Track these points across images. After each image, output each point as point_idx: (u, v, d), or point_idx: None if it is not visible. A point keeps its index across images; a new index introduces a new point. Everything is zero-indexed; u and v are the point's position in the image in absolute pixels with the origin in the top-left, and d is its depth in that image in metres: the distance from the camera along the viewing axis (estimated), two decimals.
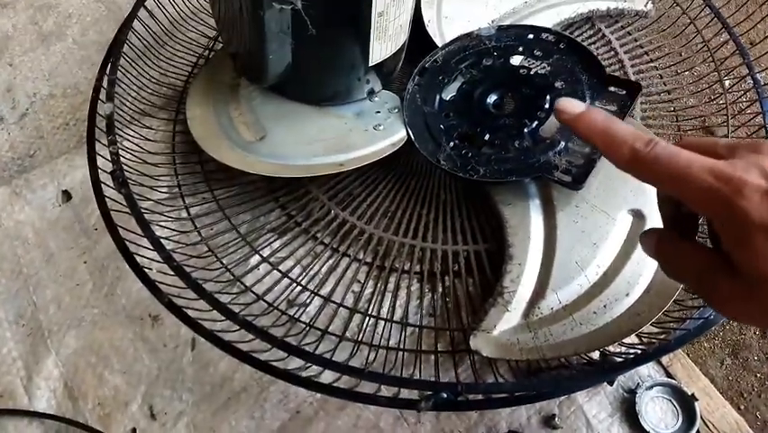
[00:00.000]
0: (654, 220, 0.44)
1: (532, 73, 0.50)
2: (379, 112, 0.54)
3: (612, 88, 0.48)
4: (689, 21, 0.60)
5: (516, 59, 0.52)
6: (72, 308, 0.49)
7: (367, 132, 0.52)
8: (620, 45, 0.60)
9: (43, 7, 0.63)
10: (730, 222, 0.25)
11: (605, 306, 0.42)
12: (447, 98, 0.51)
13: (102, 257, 0.51)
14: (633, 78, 0.57)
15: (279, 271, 0.48)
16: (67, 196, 0.53)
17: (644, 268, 0.43)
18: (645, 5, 0.61)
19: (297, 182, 0.53)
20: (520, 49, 0.52)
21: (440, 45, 0.57)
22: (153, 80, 0.56)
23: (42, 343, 0.48)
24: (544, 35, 0.53)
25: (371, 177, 0.54)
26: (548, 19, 0.59)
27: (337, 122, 0.53)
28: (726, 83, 0.56)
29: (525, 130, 0.47)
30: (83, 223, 0.52)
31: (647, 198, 0.45)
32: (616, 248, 0.44)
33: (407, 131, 0.51)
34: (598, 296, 0.42)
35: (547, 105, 0.48)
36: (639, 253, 0.43)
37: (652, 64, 0.59)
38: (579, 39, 0.60)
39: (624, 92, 0.48)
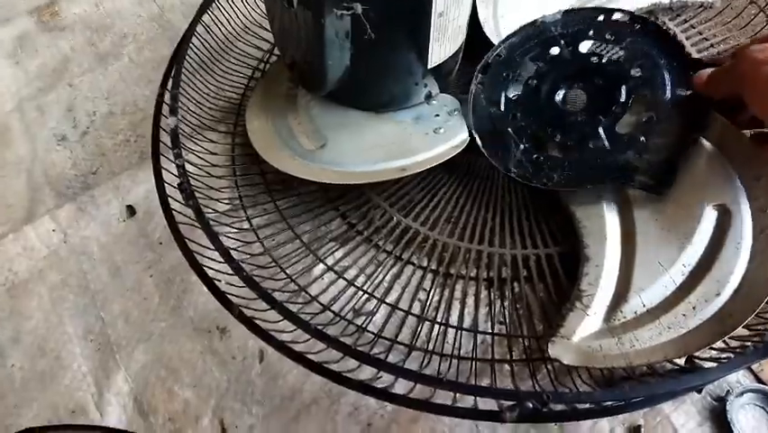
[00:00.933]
0: (741, 215, 0.42)
1: (604, 61, 0.46)
2: (438, 115, 0.53)
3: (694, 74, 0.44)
4: (756, 11, 0.57)
5: (585, 46, 0.48)
6: (140, 323, 0.49)
7: (427, 135, 0.51)
8: (685, 38, 0.57)
9: (100, 28, 0.64)
10: None
11: (694, 308, 0.39)
12: (513, 96, 0.49)
13: (167, 270, 0.51)
14: None
15: (345, 279, 0.47)
16: (131, 211, 0.53)
17: (734, 266, 0.40)
18: None
19: (357, 190, 0.52)
20: (590, 33, 0.48)
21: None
22: (212, 94, 0.56)
23: (112, 358, 0.49)
24: (616, 16, 0.48)
25: (432, 182, 0.53)
26: None
27: (396, 127, 0.52)
28: None
29: (600, 128, 0.44)
30: (148, 237, 0.52)
31: (732, 192, 0.43)
32: (702, 246, 0.42)
33: (475, 137, 0.48)
34: (685, 297, 0.40)
35: (623, 98, 0.45)
36: (728, 251, 0.41)
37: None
38: None
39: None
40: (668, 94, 0.44)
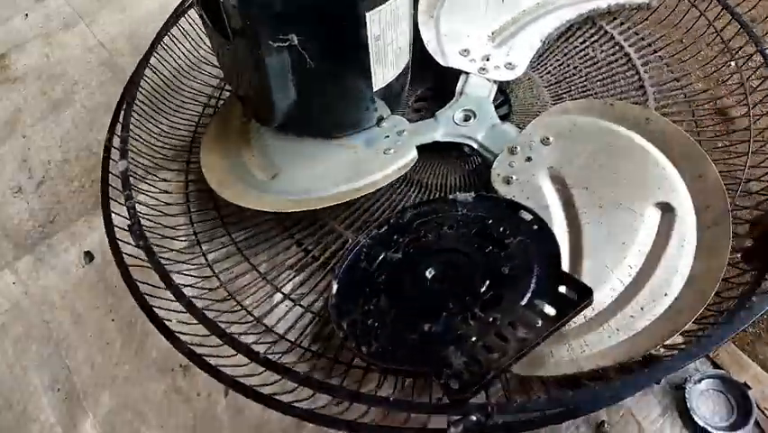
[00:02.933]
0: (685, 212, 0.42)
1: (486, 251, 0.43)
2: (387, 136, 0.53)
3: (563, 289, 0.39)
4: (688, 6, 0.59)
5: (478, 233, 0.45)
6: (105, 368, 0.49)
7: (378, 157, 0.51)
8: (624, 39, 0.59)
9: (51, 77, 0.65)
10: None
11: (642, 308, 0.40)
12: (389, 259, 0.46)
13: (128, 313, 0.51)
14: (641, 69, 0.56)
15: (301, 306, 0.47)
16: (89, 257, 0.54)
17: (678, 262, 0.40)
18: None
19: (312, 216, 0.52)
20: (489, 222, 0.45)
21: (442, 63, 0.57)
22: (164, 134, 0.57)
23: (79, 406, 0.48)
24: (521, 213, 0.44)
25: (383, 202, 0.53)
26: (550, 24, 0.58)
27: (348, 151, 0.53)
28: (732, 64, 0.54)
29: (444, 313, 0.40)
30: (107, 281, 0.52)
31: (674, 188, 0.43)
32: (647, 245, 0.42)
33: (333, 285, 0.45)
34: (634, 298, 0.40)
35: (482, 290, 0.41)
36: (673, 247, 0.41)
37: (657, 54, 0.57)
38: (581, 38, 0.60)
39: (575, 295, 0.38)
40: (524, 301, 0.39)
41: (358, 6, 0.44)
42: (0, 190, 0.58)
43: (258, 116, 0.54)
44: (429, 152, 0.54)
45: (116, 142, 0.50)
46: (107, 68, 0.64)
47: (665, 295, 0.40)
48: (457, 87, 0.56)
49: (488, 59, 0.57)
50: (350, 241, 0.49)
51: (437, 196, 0.52)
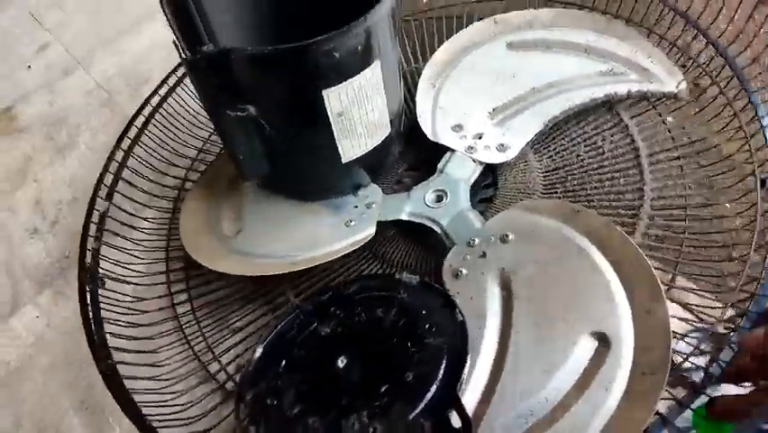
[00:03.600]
0: (621, 350, 0.37)
1: (401, 350, 0.41)
2: (356, 207, 0.53)
3: (450, 412, 0.36)
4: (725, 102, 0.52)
5: (407, 325, 0.43)
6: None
7: (336, 229, 0.51)
8: (638, 132, 0.53)
9: (56, 123, 0.70)
10: None
11: None
12: (316, 335, 0.45)
13: (145, 330, 0.52)
14: (646, 170, 0.50)
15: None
16: (101, 281, 0.58)
17: (599, 409, 0.35)
18: (677, 86, 0.53)
19: (274, 279, 0.52)
20: (423, 312, 0.43)
21: (430, 137, 0.55)
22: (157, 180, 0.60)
23: (105, 421, 0.53)
24: (455, 313, 0.42)
25: (343, 273, 0.52)
26: (557, 106, 0.54)
27: (312, 218, 0.53)
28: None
29: (333, 411, 0.39)
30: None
31: (618, 322, 0.38)
32: (570, 381, 0.37)
33: (256, 349, 0.45)
34: None
35: (381, 392, 0.39)
36: (597, 387, 0.36)
37: (668, 155, 0.51)
38: (593, 124, 0.55)
39: (459, 424, 0.36)
40: (410, 417, 0.37)
41: (312, 84, 0.44)
42: (18, 234, 0.63)
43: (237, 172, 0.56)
44: (408, 227, 0.53)
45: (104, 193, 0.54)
46: (108, 107, 0.69)
47: None
48: (439, 164, 0.53)
49: (480, 138, 0.54)
50: (290, 303, 0.49)
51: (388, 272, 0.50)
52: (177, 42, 0.45)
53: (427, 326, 0.42)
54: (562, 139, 0.55)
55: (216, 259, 0.50)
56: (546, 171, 0.53)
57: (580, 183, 0.51)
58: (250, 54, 0.43)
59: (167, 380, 0.48)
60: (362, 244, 0.49)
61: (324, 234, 0.50)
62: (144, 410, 0.43)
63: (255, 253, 0.50)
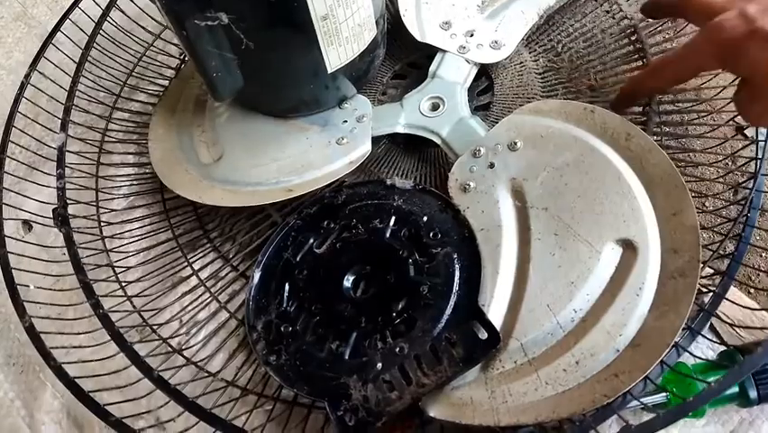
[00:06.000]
0: (649, 255, 0.36)
1: (410, 261, 0.40)
2: (346, 121, 0.48)
3: (475, 324, 0.36)
4: None
5: (409, 236, 0.41)
6: (59, 337, 0.48)
7: (328, 147, 0.47)
8: (641, 21, 0.49)
9: None
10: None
11: (577, 362, 0.35)
12: (313, 254, 0.42)
13: (75, 281, 0.48)
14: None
15: (228, 310, 0.45)
16: (28, 226, 0.52)
17: (630, 316, 0.35)
18: None
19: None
20: (423, 220, 0.41)
21: (417, 38, 0.50)
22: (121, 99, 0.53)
23: (36, 378, 0.48)
24: (458, 216, 0.41)
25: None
26: None
27: (300, 136, 0.48)
28: None
29: (354, 333, 0.38)
30: (49, 251, 0.51)
31: (642, 225, 0.37)
32: (597, 289, 0.36)
33: (255, 273, 0.42)
34: (570, 349, 0.35)
35: (394, 314, 0.38)
36: (626, 296, 0.35)
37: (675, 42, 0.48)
38: (591, 15, 0.51)
39: (485, 335, 0.36)
40: (435, 332, 0.36)
41: None
42: None
43: (209, 91, 0.50)
44: (403, 140, 0.49)
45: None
46: (23, 22, 0.59)
47: (605, 351, 0.35)
48: (431, 68, 0.49)
49: (471, 35, 0.49)
50: (279, 222, 0.46)
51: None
52: None
53: (431, 234, 0.41)
54: (558, 34, 0.51)
55: (200, 191, 0.46)
56: (544, 72, 0.50)
57: (581, 84, 0.48)
58: None
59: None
60: (360, 162, 0.45)
61: (316, 155, 0.46)
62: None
63: (243, 181, 0.46)
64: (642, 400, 0.36)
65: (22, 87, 0.50)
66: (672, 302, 0.34)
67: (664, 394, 0.37)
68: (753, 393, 0.37)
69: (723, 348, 0.40)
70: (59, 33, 0.53)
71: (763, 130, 0.43)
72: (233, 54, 0.43)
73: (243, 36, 0.41)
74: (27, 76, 0.51)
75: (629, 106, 0.44)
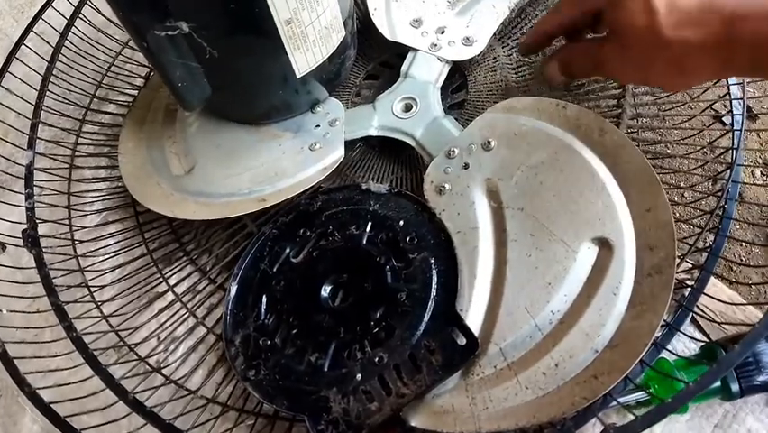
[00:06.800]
0: (624, 253, 0.36)
1: (387, 267, 0.39)
2: (318, 126, 0.47)
3: (453, 330, 0.36)
4: None
5: (385, 241, 0.41)
6: (35, 361, 0.47)
7: (301, 153, 0.46)
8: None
9: None
10: None
11: (556, 365, 0.34)
12: (290, 264, 0.42)
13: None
14: None
15: (205, 325, 0.44)
16: (2, 247, 0.52)
17: (607, 316, 0.35)
18: None
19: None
20: (401, 223, 0.41)
21: (388, 37, 0.49)
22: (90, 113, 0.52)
23: (15, 402, 0.48)
24: (434, 220, 0.40)
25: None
26: None
27: (272, 144, 0.47)
28: None
29: (333, 344, 0.37)
30: (24, 273, 0.50)
31: (617, 223, 0.36)
32: (575, 290, 0.36)
33: (231, 288, 0.42)
34: (549, 352, 0.35)
35: (372, 322, 0.37)
36: (603, 296, 0.35)
37: None
38: None
39: (464, 341, 0.35)
40: (413, 340, 0.36)
41: None
42: None
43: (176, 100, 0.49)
44: (376, 143, 0.49)
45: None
46: None
47: (583, 351, 0.34)
48: (402, 68, 0.48)
49: (442, 32, 0.49)
50: (254, 231, 0.45)
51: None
52: None
53: (408, 238, 0.40)
54: (531, 25, 0.50)
55: (172, 204, 0.45)
56: (518, 67, 0.49)
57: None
58: None
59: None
60: (333, 168, 0.44)
61: (288, 162, 0.45)
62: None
63: (216, 193, 0.45)
64: (623, 399, 0.35)
65: None
66: (649, 300, 0.34)
67: (645, 392, 0.36)
68: (735, 387, 0.36)
69: (706, 341, 0.40)
70: (23, 46, 0.52)
71: (738, 119, 0.42)
72: (198, 63, 0.42)
73: (206, 44, 0.40)
74: None
75: (534, 51, 0.45)
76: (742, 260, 0.44)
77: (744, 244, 0.44)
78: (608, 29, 0.36)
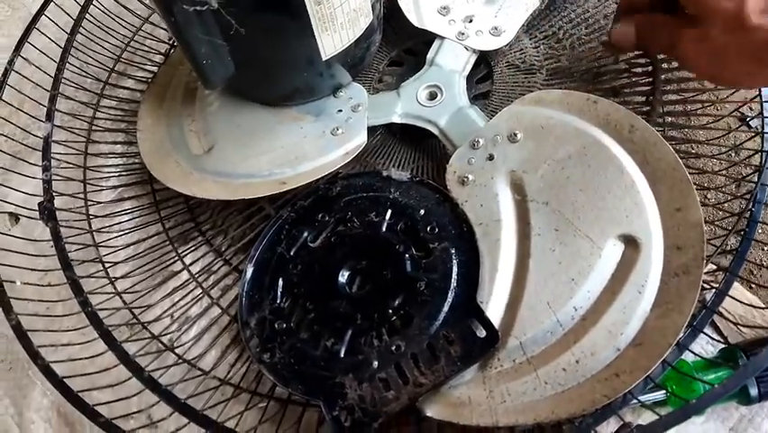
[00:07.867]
0: (651, 251, 0.35)
1: (407, 256, 0.39)
2: (341, 111, 0.47)
3: (473, 322, 0.35)
4: None
5: (405, 230, 0.40)
6: (47, 334, 0.47)
7: (323, 137, 0.45)
8: None
9: None
10: None
11: (577, 361, 0.34)
12: (308, 248, 0.41)
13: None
14: None
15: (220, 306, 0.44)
16: (15, 218, 0.51)
17: (631, 314, 0.34)
18: None
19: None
20: (422, 212, 0.40)
21: (415, 23, 0.49)
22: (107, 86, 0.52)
23: (25, 375, 0.47)
24: (456, 210, 0.40)
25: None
26: None
27: (293, 126, 0.47)
28: None
29: (350, 330, 0.37)
30: (36, 244, 0.49)
31: (645, 220, 0.36)
32: (599, 286, 0.36)
33: (248, 269, 0.41)
34: (570, 348, 0.34)
35: (390, 310, 0.37)
36: (628, 294, 0.35)
37: None
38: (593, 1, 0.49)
39: (484, 333, 0.35)
40: (432, 330, 0.36)
41: None
42: None
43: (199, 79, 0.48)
44: (399, 130, 0.48)
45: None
46: (5, 3, 0.57)
47: (605, 350, 0.34)
48: (428, 55, 0.48)
49: (470, 21, 0.48)
50: (272, 214, 0.45)
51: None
52: None
53: (429, 228, 0.40)
54: (560, 20, 0.50)
55: (191, 184, 0.44)
56: (545, 59, 0.48)
57: (585, 71, 0.47)
58: None
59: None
60: (356, 154, 0.44)
61: (309, 146, 0.45)
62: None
63: (235, 173, 0.44)
64: (641, 397, 0.35)
65: (6, 74, 0.49)
66: (675, 300, 0.34)
67: (663, 392, 0.36)
68: (753, 391, 0.36)
69: (723, 345, 0.39)
70: (42, 17, 0.52)
71: None
72: (224, 41, 0.41)
73: (234, 21, 0.39)
74: (11, 62, 0.49)
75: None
76: (763, 263, 0.43)
77: (765, 248, 0.43)
78: (691, 12, 0.34)
